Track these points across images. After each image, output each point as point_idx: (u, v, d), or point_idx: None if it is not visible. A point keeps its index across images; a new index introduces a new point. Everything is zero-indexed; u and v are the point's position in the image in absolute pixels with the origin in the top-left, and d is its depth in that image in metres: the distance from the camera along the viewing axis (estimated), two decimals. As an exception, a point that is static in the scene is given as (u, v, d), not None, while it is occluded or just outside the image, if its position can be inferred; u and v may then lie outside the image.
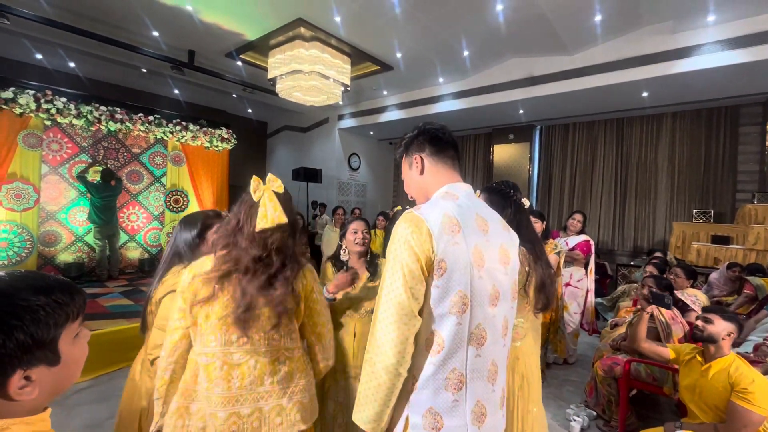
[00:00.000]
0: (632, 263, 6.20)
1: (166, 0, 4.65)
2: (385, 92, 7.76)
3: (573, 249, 3.79)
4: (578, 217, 3.94)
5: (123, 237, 5.87)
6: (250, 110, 9.89)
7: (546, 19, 4.65)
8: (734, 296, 3.80)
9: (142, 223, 6.15)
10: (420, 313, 0.91)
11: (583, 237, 3.85)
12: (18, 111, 4.60)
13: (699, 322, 1.93)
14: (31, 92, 4.67)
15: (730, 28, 4.44)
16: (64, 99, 4.93)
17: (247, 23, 5.24)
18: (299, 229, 1.26)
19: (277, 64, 5.80)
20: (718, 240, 5.28)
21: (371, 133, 9.45)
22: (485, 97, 6.55)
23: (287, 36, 5.45)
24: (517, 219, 1.55)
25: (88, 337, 0.70)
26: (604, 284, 6.10)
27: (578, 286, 3.72)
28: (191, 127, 6.23)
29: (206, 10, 4.92)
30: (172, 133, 6.04)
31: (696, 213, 6.02)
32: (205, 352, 1.14)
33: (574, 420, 2.62)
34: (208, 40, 5.70)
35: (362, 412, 0.93)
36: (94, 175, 5.37)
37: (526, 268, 1.48)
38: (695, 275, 3.35)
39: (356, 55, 5.99)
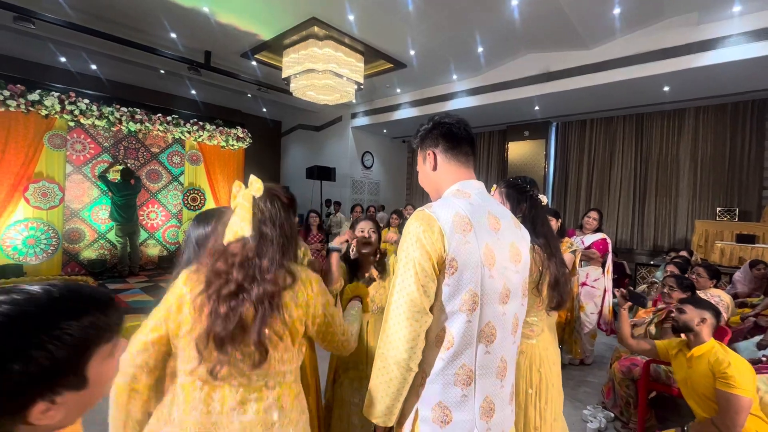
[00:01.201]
0: (652, 262, 6.05)
1: (183, 2, 4.74)
2: (398, 90, 7.74)
3: (589, 247, 3.71)
4: (594, 214, 3.86)
5: (143, 234, 6.03)
6: (264, 109, 10.00)
7: (563, 13, 4.56)
8: (760, 297, 3.67)
9: (161, 221, 6.30)
10: (431, 309, 0.92)
11: (599, 235, 3.77)
12: (44, 113, 4.77)
13: (673, 314, 2.01)
14: (56, 94, 4.82)
15: (757, 18, 4.27)
16: (86, 100, 5.08)
17: (262, 23, 5.30)
18: (289, 237, 1.08)
19: (291, 63, 5.85)
20: (743, 239, 5.11)
21: (384, 131, 9.45)
22: (499, 94, 6.47)
23: (301, 35, 5.49)
24: (533, 215, 1.53)
25: (123, 350, 0.64)
26: (623, 284, 5.95)
27: (595, 286, 3.65)
28: (208, 126, 6.35)
29: (222, 11, 4.99)
30: (189, 132, 6.16)
31: (720, 211, 5.83)
32: (185, 369, 0.99)
33: (591, 421, 2.58)
34: (224, 40, 5.79)
35: (373, 406, 0.96)
36: (114, 175, 5.53)
37: (540, 267, 1.46)
38: (719, 275, 3.25)
39: (369, 53, 5.99)
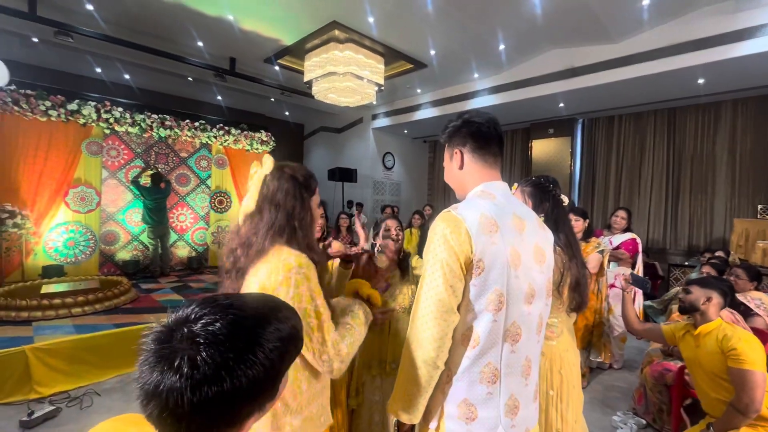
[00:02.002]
0: (686, 263, 5.77)
1: (209, 11, 4.90)
2: (418, 90, 7.72)
3: (618, 248, 3.59)
4: (622, 213, 3.73)
5: (173, 236, 6.27)
6: (287, 113, 10.19)
7: (588, 7, 4.43)
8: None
9: (190, 223, 6.53)
10: (458, 309, 0.94)
11: (629, 235, 3.64)
12: (82, 121, 5.04)
13: (680, 295, 2.06)
14: (92, 104, 5.09)
15: (801, 3, 4.01)
16: (120, 109, 5.34)
17: (284, 29, 5.41)
18: (292, 215, 1.05)
19: (313, 66, 5.94)
20: (787, 238, 4.80)
21: (405, 131, 9.44)
22: (522, 91, 6.35)
23: (322, 39, 5.57)
24: (555, 215, 1.51)
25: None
26: (655, 286, 5.72)
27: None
28: (233, 131, 6.54)
29: (246, 19, 5.13)
30: (215, 137, 6.37)
31: (761, 209, 5.50)
32: None
33: (621, 428, 2.50)
34: (248, 47, 5.94)
35: (399, 402, 0.98)
36: (146, 179, 5.78)
37: (561, 268, 1.44)
38: (760, 276, 3.06)
39: (390, 55, 6.01)
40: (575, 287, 1.47)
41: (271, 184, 1.05)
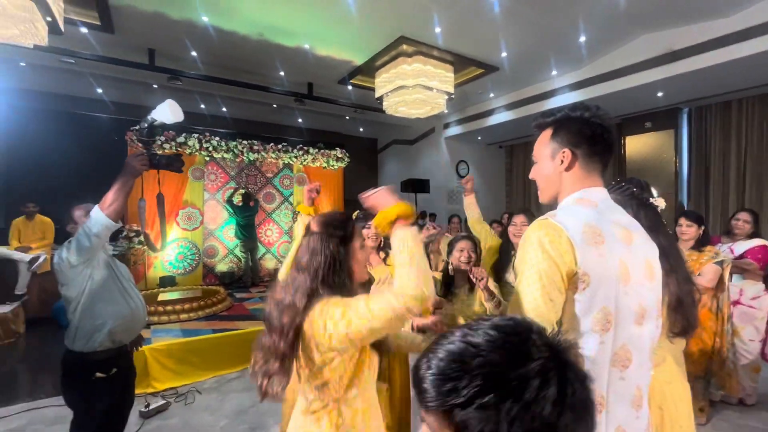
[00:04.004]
0: None
1: (288, 43, 5.35)
2: (491, 95, 7.46)
3: (741, 257, 2.99)
4: (744, 216, 3.10)
5: (261, 249, 6.87)
6: (361, 129, 10.60)
7: (686, -19, 3.88)
8: None
9: (276, 238, 7.10)
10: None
11: (756, 242, 3.01)
12: (188, 151, 5.83)
13: None
14: (196, 135, 5.86)
15: None
16: (217, 138, 6.07)
17: (354, 50, 5.68)
18: (325, 265, 1.06)
19: (383, 83, 6.10)
20: None
21: (479, 138, 9.16)
22: (610, 84, 5.75)
23: (390, 55, 5.71)
24: (647, 222, 1.30)
25: None
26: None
27: (754, 305, 2.92)
28: (311, 150, 7.00)
29: (320, 45, 5.49)
30: (296, 157, 6.87)
31: None
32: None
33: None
34: (323, 71, 6.34)
35: None
36: (238, 198, 6.44)
37: None
38: None
39: (459, 62, 5.92)
40: (677, 307, 1.25)
41: (309, 237, 1.09)
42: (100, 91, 6.83)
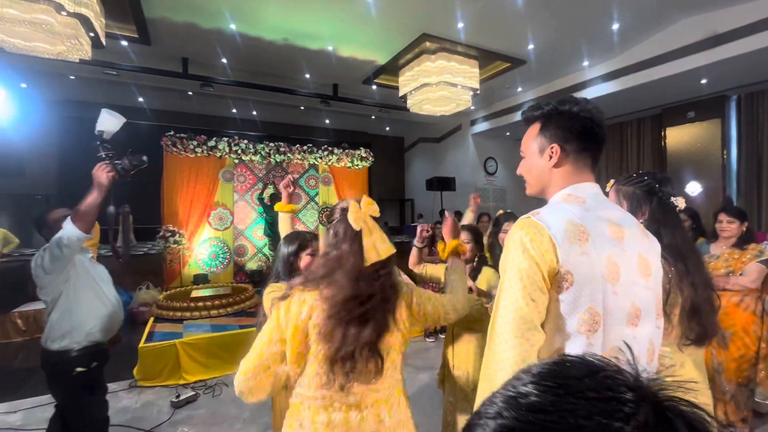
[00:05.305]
0: None
1: (312, 45, 5.45)
2: (519, 89, 7.25)
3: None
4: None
5: (290, 248, 7.03)
6: (387, 128, 10.61)
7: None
8: None
9: (303, 237, 7.25)
10: (543, 327, 0.83)
11: (812, 239, 2.75)
12: (218, 155, 6.08)
13: None
14: (225, 139, 6.10)
15: None
16: (246, 141, 6.28)
17: (377, 49, 5.69)
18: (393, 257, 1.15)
19: (407, 81, 6.07)
20: None
21: (507, 133, 8.92)
22: (648, 73, 5.42)
23: (414, 53, 5.67)
24: (659, 221, 1.22)
25: None
26: None
27: (808, 309, 2.66)
28: (335, 150, 7.09)
29: (343, 47, 5.55)
30: (321, 158, 6.98)
31: None
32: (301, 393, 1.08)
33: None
34: (347, 72, 6.40)
35: None
36: (267, 196, 6.63)
37: (666, 285, 1.14)
38: None
39: (483, 57, 5.79)
40: (692, 314, 1.15)
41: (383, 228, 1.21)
42: (141, 99, 7.27)
